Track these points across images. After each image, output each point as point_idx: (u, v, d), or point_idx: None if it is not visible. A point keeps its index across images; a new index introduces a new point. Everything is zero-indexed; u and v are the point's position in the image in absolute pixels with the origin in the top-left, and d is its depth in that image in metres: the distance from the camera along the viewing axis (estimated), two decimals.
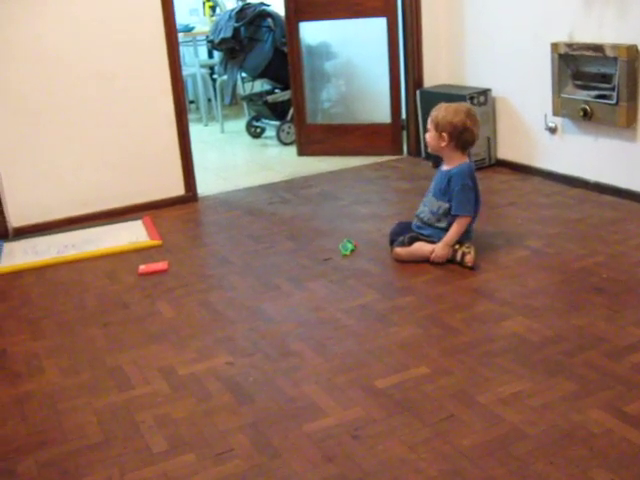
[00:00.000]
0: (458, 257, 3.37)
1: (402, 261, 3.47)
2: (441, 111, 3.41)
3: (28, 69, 4.15)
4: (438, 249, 3.38)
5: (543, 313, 2.88)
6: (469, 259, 3.33)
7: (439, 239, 3.40)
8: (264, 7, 6.42)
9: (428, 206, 3.50)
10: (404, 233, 3.50)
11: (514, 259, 3.43)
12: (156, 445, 2.22)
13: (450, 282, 3.24)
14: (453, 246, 3.39)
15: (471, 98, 4.80)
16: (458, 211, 3.39)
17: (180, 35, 6.12)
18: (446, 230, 3.41)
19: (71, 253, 3.92)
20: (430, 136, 3.45)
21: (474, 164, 3.58)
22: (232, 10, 6.47)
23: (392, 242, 3.54)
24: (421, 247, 3.44)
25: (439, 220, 3.44)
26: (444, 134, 3.39)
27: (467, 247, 3.38)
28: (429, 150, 3.58)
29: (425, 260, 3.41)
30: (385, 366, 2.57)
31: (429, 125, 3.45)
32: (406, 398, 2.36)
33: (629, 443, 2.06)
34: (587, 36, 4.13)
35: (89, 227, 4.32)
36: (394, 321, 2.91)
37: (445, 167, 3.48)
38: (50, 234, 4.24)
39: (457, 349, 2.65)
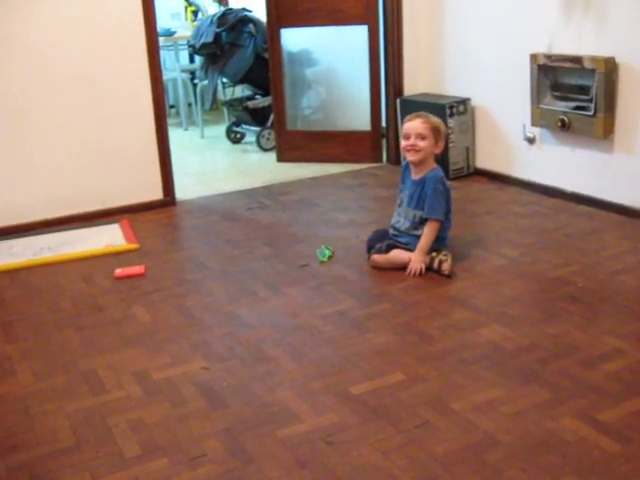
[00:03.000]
0: (435, 265, 3.38)
1: (379, 268, 3.47)
2: (433, 118, 3.44)
3: (7, 70, 4.11)
4: (414, 257, 3.39)
5: (518, 321, 2.90)
6: (446, 267, 3.34)
7: (416, 247, 3.41)
8: (246, 13, 6.41)
9: (403, 216, 3.51)
10: (382, 240, 3.50)
11: (490, 267, 3.44)
12: (129, 450, 2.21)
13: (427, 290, 3.25)
14: (430, 254, 3.40)
15: (451, 107, 4.83)
16: (429, 214, 3.40)
17: (161, 39, 6.08)
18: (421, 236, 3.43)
19: (47, 255, 3.89)
20: (426, 143, 3.39)
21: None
22: (214, 15, 6.47)
23: (369, 249, 3.55)
24: (398, 254, 3.44)
25: (416, 228, 3.45)
26: (441, 142, 3.43)
27: (444, 255, 3.39)
28: (416, 159, 3.43)
29: (402, 267, 3.42)
30: (360, 372, 2.57)
31: (422, 131, 3.39)
32: (381, 405, 2.36)
33: (602, 451, 2.07)
34: (566, 48, 4.17)
35: (66, 230, 4.29)
36: (370, 328, 2.91)
37: (416, 176, 3.49)
38: (26, 236, 4.20)
39: (432, 356, 2.66)
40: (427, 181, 3.41)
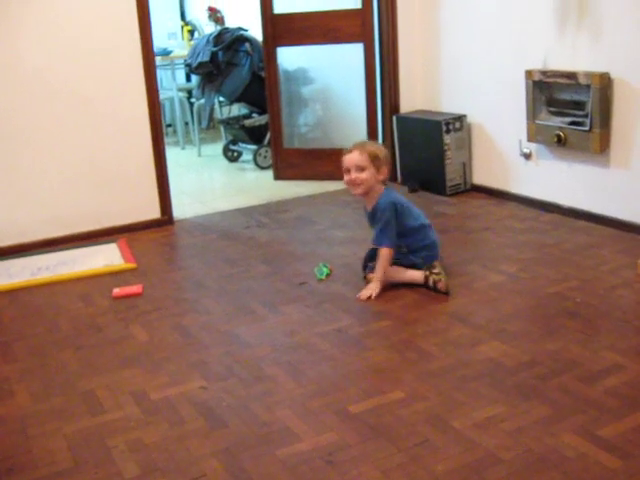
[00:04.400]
0: (430, 284, 3.36)
1: None
2: (370, 146, 3.39)
3: (6, 90, 4.13)
4: (371, 284, 3.38)
5: (517, 338, 2.89)
6: (441, 286, 3.32)
7: (408, 262, 3.43)
8: (242, 32, 6.45)
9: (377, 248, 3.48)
10: (376, 258, 3.49)
11: (489, 284, 3.44)
12: (128, 471, 2.19)
13: (425, 307, 3.25)
14: (425, 272, 3.39)
15: (447, 124, 4.85)
16: (377, 243, 3.39)
17: (158, 58, 6.14)
18: (408, 252, 3.43)
19: (45, 275, 3.89)
20: (367, 174, 3.32)
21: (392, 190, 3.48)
22: (210, 34, 6.50)
23: (365, 267, 3.54)
24: (393, 271, 3.43)
25: (398, 248, 3.43)
26: (384, 168, 3.37)
27: (437, 274, 3.36)
28: (359, 192, 3.37)
29: (399, 284, 3.41)
30: (360, 391, 2.56)
31: (360, 163, 3.30)
32: (380, 423, 2.35)
33: (602, 467, 2.06)
34: (561, 63, 4.19)
35: (64, 249, 4.29)
36: (369, 346, 2.90)
37: (369, 206, 3.45)
38: (24, 256, 4.20)
39: (432, 374, 2.65)
40: (377, 210, 3.38)
